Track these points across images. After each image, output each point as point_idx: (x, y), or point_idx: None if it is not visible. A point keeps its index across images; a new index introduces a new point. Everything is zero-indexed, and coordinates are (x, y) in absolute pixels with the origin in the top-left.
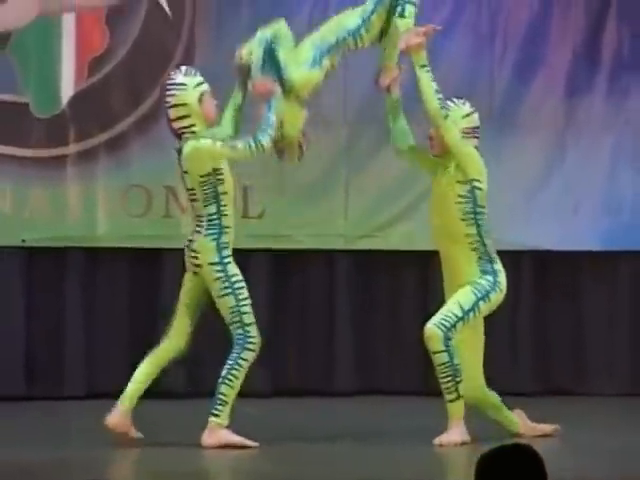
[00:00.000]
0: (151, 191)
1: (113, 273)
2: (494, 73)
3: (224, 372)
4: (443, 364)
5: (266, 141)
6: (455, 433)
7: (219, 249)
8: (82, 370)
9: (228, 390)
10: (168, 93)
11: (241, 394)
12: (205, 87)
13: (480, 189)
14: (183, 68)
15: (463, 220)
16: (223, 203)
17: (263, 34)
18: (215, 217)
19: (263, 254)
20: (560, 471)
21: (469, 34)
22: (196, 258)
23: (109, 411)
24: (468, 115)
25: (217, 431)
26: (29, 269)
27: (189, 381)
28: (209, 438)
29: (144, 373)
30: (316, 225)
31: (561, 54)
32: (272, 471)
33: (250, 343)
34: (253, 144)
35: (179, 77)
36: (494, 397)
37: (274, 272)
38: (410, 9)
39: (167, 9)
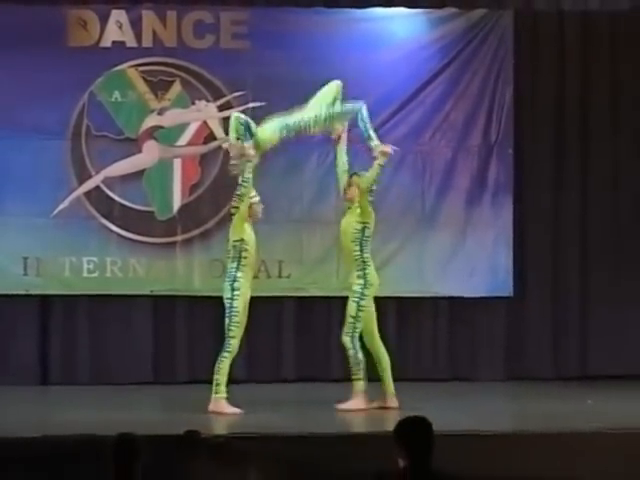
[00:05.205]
0: (224, 262)
1: (203, 308)
2: (424, 193)
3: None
4: (351, 357)
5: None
6: (355, 402)
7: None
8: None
9: (217, 375)
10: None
11: None
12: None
13: (368, 228)
14: None
15: (353, 242)
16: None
17: (238, 118)
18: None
19: (291, 299)
20: None
21: (410, 170)
22: None
23: None
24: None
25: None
26: (154, 307)
27: None
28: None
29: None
30: (320, 282)
31: (463, 181)
32: None
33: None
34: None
35: None
36: (385, 358)
37: (298, 307)
38: (372, 133)
39: None
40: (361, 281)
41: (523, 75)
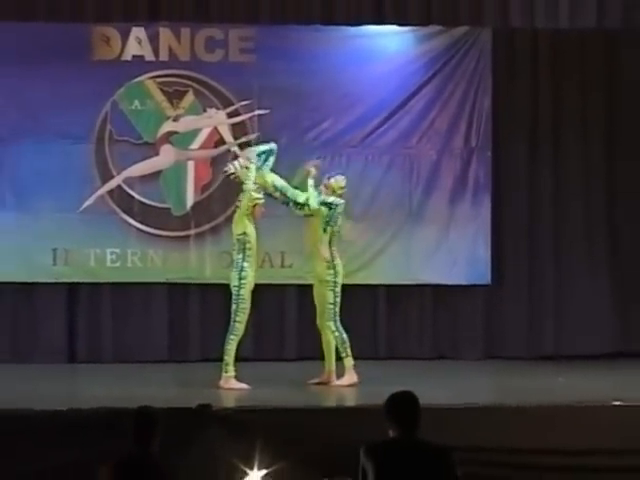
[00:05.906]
0: (231, 255)
1: (214, 294)
2: (412, 192)
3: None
4: (337, 338)
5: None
6: (348, 378)
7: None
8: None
9: (226, 356)
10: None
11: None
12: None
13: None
14: None
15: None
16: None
17: (271, 145)
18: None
19: (292, 286)
20: None
21: (399, 171)
22: None
23: None
24: (342, 188)
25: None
26: (169, 293)
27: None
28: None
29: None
30: None
31: (447, 181)
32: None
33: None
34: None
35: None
36: (332, 341)
37: (299, 294)
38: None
39: None
40: (331, 271)
41: (500, 86)
